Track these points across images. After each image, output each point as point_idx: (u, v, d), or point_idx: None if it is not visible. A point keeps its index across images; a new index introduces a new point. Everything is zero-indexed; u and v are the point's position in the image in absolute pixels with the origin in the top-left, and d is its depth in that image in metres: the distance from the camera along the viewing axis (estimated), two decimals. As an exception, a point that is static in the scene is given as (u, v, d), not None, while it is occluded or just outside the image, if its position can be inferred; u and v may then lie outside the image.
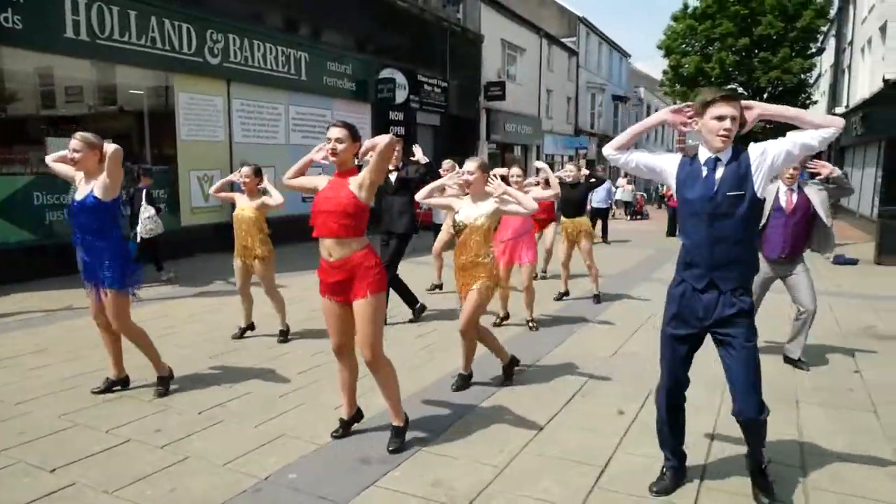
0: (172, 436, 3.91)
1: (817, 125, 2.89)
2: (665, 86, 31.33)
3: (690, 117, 3.04)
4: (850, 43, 24.09)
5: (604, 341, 6.22)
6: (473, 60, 22.21)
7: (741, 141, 3.01)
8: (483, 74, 22.91)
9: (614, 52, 41.38)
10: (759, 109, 2.99)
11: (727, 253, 2.94)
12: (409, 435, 3.91)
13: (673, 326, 3.14)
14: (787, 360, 5.52)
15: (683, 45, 29.07)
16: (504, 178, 5.59)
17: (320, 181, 3.78)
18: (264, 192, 5.96)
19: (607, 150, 3.25)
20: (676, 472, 3.34)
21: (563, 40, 32.05)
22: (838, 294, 8.88)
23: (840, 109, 23.92)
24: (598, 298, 8.09)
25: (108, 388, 4.60)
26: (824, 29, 28.61)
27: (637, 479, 3.39)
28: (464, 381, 4.84)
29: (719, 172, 2.94)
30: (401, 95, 17.19)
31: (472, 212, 4.63)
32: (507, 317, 6.87)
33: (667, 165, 3.18)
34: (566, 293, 8.35)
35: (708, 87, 3.02)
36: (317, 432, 3.99)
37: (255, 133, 13.38)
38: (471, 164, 4.65)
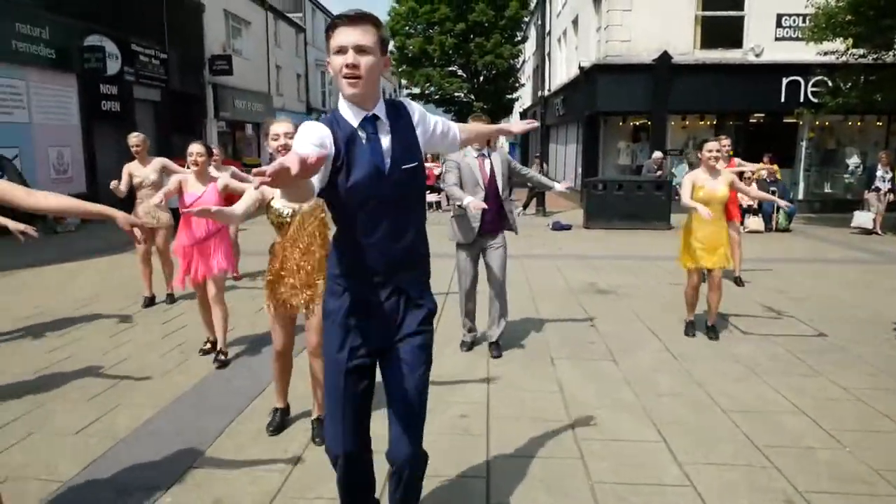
0: None
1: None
2: (392, 66, 32.33)
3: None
4: (549, 33, 27.17)
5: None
6: (195, 31, 20.47)
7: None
8: (207, 47, 21.26)
9: (341, 30, 41.53)
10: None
11: (411, 249, 2.19)
12: (174, 453, 3.41)
13: (347, 356, 2.20)
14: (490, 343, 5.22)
15: (407, 27, 30.18)
16: None
17: None
18: None
19: None
20: None
21: (290, 16, 31.20)
22: (561, 256, 9.98)
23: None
24: None
25: None
26: (527, 19, 31.86)
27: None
28: (283, 417, 3.84)
29: (385, 139, 2.11)
30: (112, 66, 15.15)
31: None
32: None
33: (326, 140, 2.01)
34: None
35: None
36: (56, 467, 3.28)
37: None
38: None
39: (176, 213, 5.85)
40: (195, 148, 4.92)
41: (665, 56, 16.12)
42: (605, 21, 16.74)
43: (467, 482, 3.15)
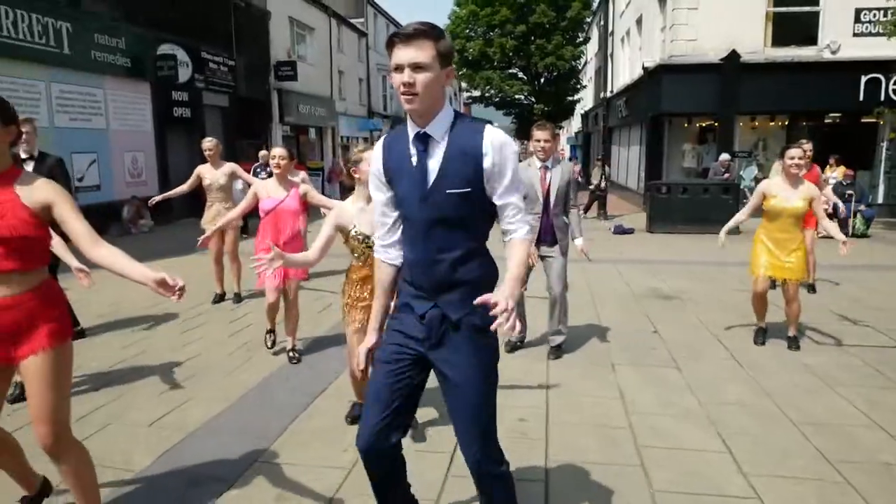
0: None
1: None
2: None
3: None
4: (612, 33, 26.77)
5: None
6: (261, 38, 21.08)
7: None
8: (272, 53, 21.87)
9: (402, 34, 41.99)
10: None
11: (453, 272, 2.11)
12: (241, 447, 3.53)
13: (386, 350, 2.26)
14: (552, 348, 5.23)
15: (467, 31, 30.25)
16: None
17: None
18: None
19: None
20: None
21: (352, 21, 31.76)
22: (623, 261, 9.81)
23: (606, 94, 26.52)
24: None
25: None
26: (589, 20, 31.48)
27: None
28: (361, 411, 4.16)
29: (435, 158, 2.06)
30: (184, 74, 15.76)
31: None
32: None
33: (381, 170, 2.20)
34: None
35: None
36: (131, 457, 3.46)
37: (7, 114, 11.38)
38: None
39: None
40: (278, 151, 4.94)
41: (733, 55, 15.64)
42: (671, 20, 16.37)
43: (526, 485, 3.13)
